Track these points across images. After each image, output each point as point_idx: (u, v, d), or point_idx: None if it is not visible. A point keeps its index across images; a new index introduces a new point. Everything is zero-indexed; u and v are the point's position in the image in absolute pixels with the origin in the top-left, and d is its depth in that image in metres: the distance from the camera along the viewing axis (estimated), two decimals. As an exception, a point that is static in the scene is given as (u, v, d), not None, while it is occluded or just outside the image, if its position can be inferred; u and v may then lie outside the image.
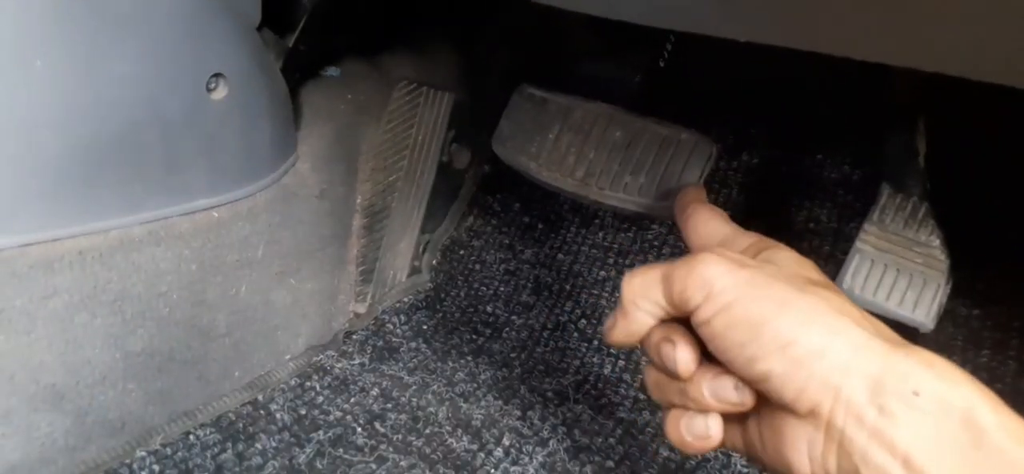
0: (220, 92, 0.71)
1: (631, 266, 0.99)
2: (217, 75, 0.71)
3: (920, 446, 0.39)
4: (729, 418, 0.49)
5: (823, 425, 0.42)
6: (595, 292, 0.98)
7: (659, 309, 0.49)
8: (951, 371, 0.41)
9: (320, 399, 0.82)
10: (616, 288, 0.97)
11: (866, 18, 0.46)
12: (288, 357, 0.84)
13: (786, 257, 0.50)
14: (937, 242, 0.70)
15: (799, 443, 0.43)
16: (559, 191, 0.83)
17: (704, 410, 0.48)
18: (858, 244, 0.72)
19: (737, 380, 0.46)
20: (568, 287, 0.99)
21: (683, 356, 0.48)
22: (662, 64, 0.93)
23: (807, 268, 0.49)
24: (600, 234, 1.04)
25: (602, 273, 0.99)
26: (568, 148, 0.81)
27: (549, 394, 0.84)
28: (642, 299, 0.49)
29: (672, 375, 0.49)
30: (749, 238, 0.54)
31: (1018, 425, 0.39)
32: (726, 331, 0.45)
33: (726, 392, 0.47)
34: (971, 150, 0.90)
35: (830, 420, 0.41)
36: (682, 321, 0.49)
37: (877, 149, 0.83)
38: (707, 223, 0.58)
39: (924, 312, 0.68)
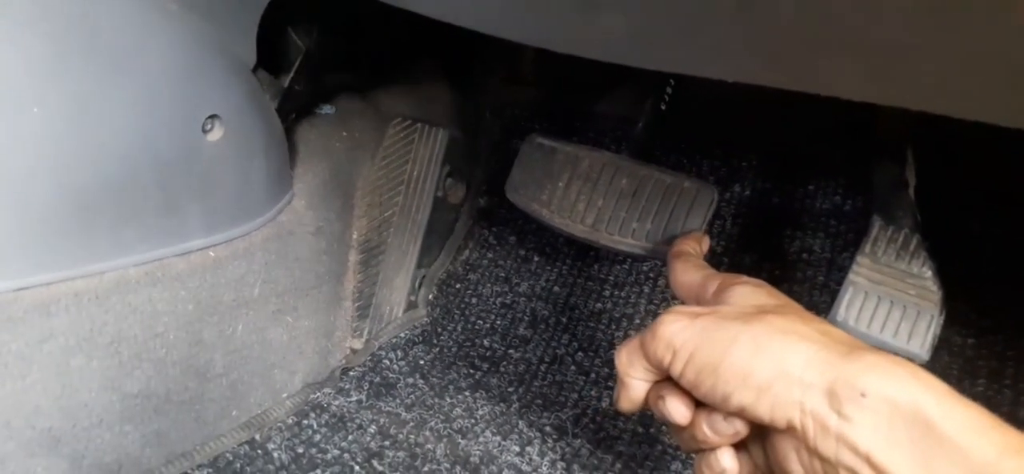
0: (216, 133, 0.72)
1: (627, 298, 0.99)
2: (213, 116, 0.71)
3: (878, 444, 0.42)
4: (740, 447, 0.53)
5: (801, 436, 0.46)
6: (591, 324, 0.98)
7: (648, 374, 0.55)
8: (894, 369, 0.44)
9: (317, 437, 0.81)
10: (612, 320, 0.97)
11: (847, 60, 0.47)
12: (285, 395, 0.84)
13: (741, 291, 0.55)
14: (929, 273, 0.70)
15: (790, 455, 0.47)
16: (571, 236, 0.86)
17: (713, 447, 0.53)
18: (851, 276, 0.72)
19: (725, 413, 0.51)
20: (565, 320, 0.99)
21: (674, 407, 0.53)
22: (664, 107, 0.95)
23: (760, 296, 0.54)
24: (595, 266, 1.04)
25: (598, 305, 1.00)
26: (578, 196, 0.84)
27: (547, 428, 0.84)
28: (631, 368, 0.56)
29: (677, 426, 0.54)
30: (717, 280, 0.58)
31: (965, 412, 0.42)
32: (697, 378, 0.50)
33: (720, 425, 0.51)
34: (961, 181, 0.90)
35: (803, 431, 0.45)
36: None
37: (867, 179, 0.84)
38: (684, 273, 0.63)
39: (919, 343, 0.69)
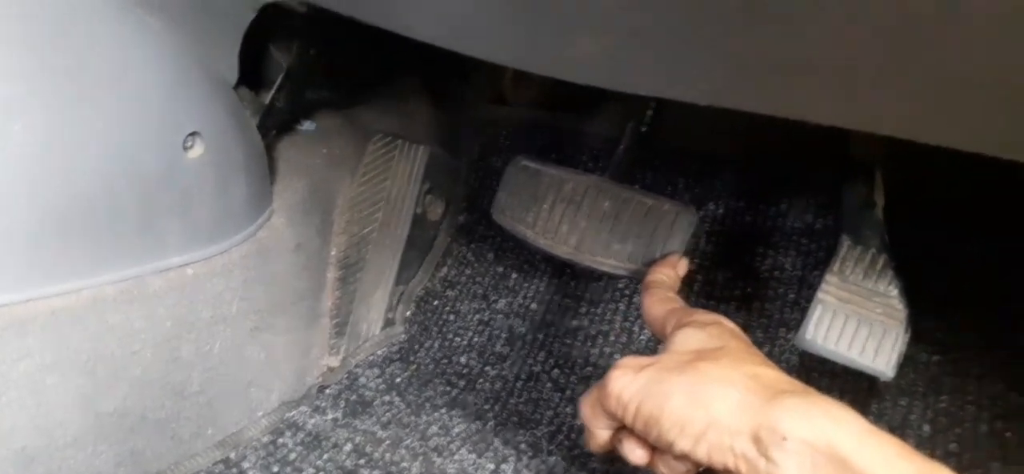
0: (196, 150, 0.72)
1: (602, 315, 1.00)
2: (193, 133, 0.72)
3: None
4: None
5: None
6: (568, 342, 0.99)
7: (609, 422, 0.59)
8: (810, 411, 0.48)
9: (293, 456, 0.81)
10: (588, 337, 0.98)
11: (819, 87, 0.48)
12: (261, 414, 0.84)
13: (683, 336, 0.60)
14: (895, 292, 0.72)
15: None
16: (555, 257, 0.89)
17: None
18: (819, 295, 0.74)
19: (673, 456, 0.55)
20: (541, 337, 1.00)
21: (631, 450, 0.58)
22: (644, 129, 0.97)
23: (700, 339, 0.58)
24: (572, 283, 1.05)
25: (574, 322, 1.01)
26: (561, 218, 0.87)
27: (523, 446, 0.85)
28: (593, 418, 0.60)
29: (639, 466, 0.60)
30: (674, 318, 0.64)
31: (877, 445, 0.46)
32: (645, 428, 0.55)
33: (673, 465, 0.56)
34: (928, 201, 0.93)
35: (738, 473, 0.49)
36: None
37: (837, 199, 0.86)
38: (651, 307, 0.69)
39: (884, 361, 0.70)
